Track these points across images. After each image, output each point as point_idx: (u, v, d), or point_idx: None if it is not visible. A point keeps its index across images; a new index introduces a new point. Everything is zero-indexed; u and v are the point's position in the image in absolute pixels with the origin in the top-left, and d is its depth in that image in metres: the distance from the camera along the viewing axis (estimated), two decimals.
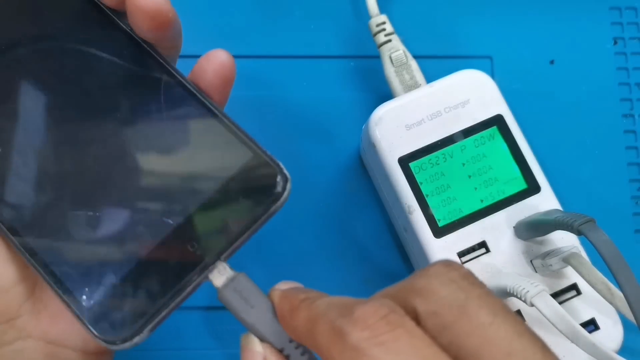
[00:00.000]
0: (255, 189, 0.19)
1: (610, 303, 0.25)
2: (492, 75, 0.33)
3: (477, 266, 0.27)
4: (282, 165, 0.20)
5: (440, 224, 0.27)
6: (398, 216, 0.29)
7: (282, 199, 0.19)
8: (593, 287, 0.25)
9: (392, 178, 0.28)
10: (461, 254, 0.27)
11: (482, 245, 0.27)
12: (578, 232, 0.23)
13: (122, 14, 0.22)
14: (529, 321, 0.26)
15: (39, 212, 0.20)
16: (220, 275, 0.19)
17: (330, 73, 0.33)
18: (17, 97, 0.21)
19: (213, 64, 0.21)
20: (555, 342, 0.26)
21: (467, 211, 0.27)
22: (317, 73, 0.33)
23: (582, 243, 0.27)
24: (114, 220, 0.19)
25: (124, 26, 0.21)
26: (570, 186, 0.32)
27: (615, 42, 0.34)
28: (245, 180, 0.20)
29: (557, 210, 0.27)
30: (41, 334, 0.20)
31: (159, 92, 0.21)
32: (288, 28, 0.34)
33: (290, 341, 0.18)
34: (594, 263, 0.25)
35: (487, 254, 0.27)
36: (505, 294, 0.24)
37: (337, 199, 0.32)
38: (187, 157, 0.20)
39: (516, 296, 0.23)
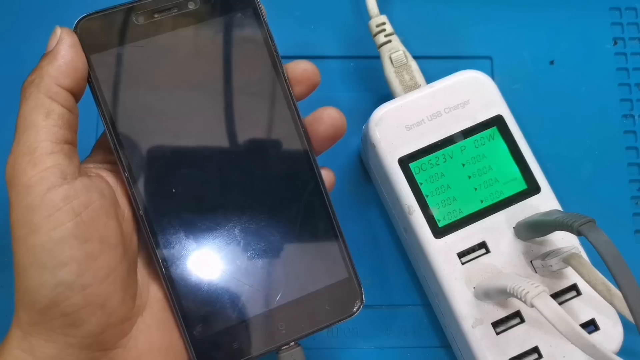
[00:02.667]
0: (339, 302, 0.25)
1: (610, 304, 0.25)
2: (492, 76, 0.33)
3: (477, 267, 0.27)
4: (363, 291, 0.25)
5: (440, 225, 0.27)
6: (398, 216, 0.29)
7: (353, 316, 0.25)
8: (593, 287, 0.25)
9: (392, 178, 0.28)
10: (461, 255, 0.27)
11: (482, 245, 0.27)
12: (578, 233, 0.23)
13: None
14: (528, 322, 0.26)
15: (189, 264, 0.24)
16: (287, 344, 0.25)
17: (331, 73, 0.33)
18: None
19: (325, 124, 0.26)
20: (555, 343, 0.26)
21: (467, 212, 0.27)
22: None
23: (582, 243, 0.27)
24: (236, 284, 0.24)
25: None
26: (570, 186, 0.32)
27: (615, 43, 0.34)
28: (336, 292, 0.25)
29: (557, 210, 0.27)
30: None
31: (299, 192, 0.25)
32: (288, 29, 0.34)
33: None
34: (594, 263, 0.25)
35: (487, 255, 0.27)
36: (505, 294, 0.24)
37: (337, 199, 0.32)
38: (303, 257, 0.25)
39: (516, 297, 0.23)
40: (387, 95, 0.30)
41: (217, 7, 0.25)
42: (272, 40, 0.25)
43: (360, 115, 0.32)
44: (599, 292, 0.25)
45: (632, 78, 0.34)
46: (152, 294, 0.25)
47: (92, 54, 0.23)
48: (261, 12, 0.25)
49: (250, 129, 0.25)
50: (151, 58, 0.24)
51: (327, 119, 0.26)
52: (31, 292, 0.21)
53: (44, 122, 0.21)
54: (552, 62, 0.34)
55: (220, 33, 0.25)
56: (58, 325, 0.21)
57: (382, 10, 0.31)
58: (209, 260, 0.24)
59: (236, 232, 0.25)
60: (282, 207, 0.25)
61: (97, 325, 0.22)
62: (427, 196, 0.27)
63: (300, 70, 0.26)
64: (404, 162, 0.28)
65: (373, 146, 0.28)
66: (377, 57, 0.30)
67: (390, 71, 0.30)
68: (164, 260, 0.24)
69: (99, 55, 0.24)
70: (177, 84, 0.24)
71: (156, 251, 0.24)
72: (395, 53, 0.30)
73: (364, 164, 0.32)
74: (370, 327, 0.31)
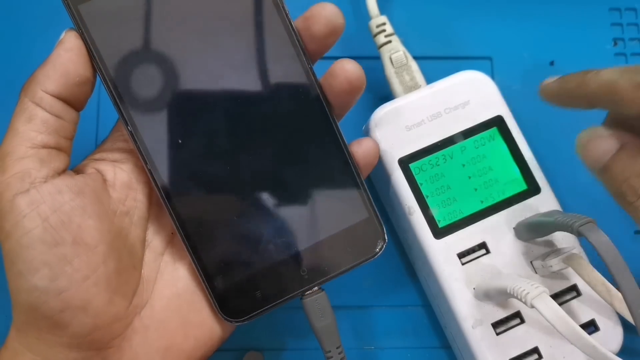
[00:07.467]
0: (360, 243, 0.25)
1: (610, 304, 0.25)
2: (492, 76, 0.33)
3: (477, 267, 0.27)
4: (385, 230, 0.25)
5: (440, 225, 0.27)
6: (398, 217, 0.29)
7: (376, 256, 0.25)
8: (593, 288, 0.25)
9: (392, 179, 0.28)
10: (461, 255, 0.27)
11: (482, 246, 0.27)
12: (578, 233, 0.23)
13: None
14: (528, 322, 0.26)
15: (204, 212, 0.24)
16: (310, 289, 0.24)
17: None
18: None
19: (340, 77, 0.25)
20: (555, 344, 0.26)
21: (467, 212, 0.27)
22: (317, 74, 0.33)
23: (582, 244, 0.27)
24: (253, 231, 0.24)
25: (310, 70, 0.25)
26: (570, 187, 0.32)
27: (615, 43, 0.34)
28: (357, 233, 0.25)
29: (557, 211, 0.27)
30: None
31: (314, 135, 0.25)
32: None
33: (337, 347, 0.24)
34: (594, 264, 0.25)
35: (487, 255, 0.27)
36: (506, 295, 0.24)
37: None
38: (320, 199, 0.25)
39: (516, 297, 0.23)
40: (387, 95, 0.30)
41: None
42: None
43: (360, 115, 0.32)
44: (599, 293, 0.25)
45: None
46: (157, 291, 0.24)
47: (81, 4, 0.22)
48: None
49: (261, 80, 0.24)
50: (153, 5, 0.23)
51: (339, 72, 0.25)
52: (14, 294, 0.21)
53: (23, 127, 0.21)
54: (552, 63, 0.34)
55: None
56: (44, 325, 0.21)
57: (382, 10, 0.31)
58: (226, 209, 0.24)
59: (253, 179, 0.24)
60: (298, 152, 0.24)
61: (82, 326, 0.22)
62: (427, 197, 0.28)
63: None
64: (404, 163, 0.28)
65: None
66: (377, 58, 0.30)
67: (390, 72, 0.30)
68: (180, 213, 0.23)
69: (88, 4, 0.22)
70: (181, 28, 0.23)
71: (170, 206, 0.23)
72: (395, 53, 0.30)
73: None
74: (370, 327, 0.31)
